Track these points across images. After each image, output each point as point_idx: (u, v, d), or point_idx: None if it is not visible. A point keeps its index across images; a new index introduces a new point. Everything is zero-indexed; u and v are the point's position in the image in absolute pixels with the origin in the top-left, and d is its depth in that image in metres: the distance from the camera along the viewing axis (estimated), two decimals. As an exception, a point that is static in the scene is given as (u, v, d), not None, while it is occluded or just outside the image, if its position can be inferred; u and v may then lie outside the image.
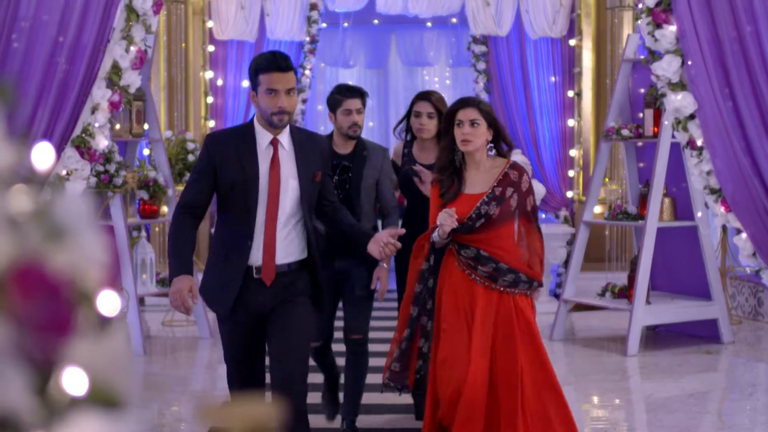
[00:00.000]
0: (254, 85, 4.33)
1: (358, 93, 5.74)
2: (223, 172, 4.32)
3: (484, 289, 4.90)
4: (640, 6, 3.69)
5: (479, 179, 4.98)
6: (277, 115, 4.31)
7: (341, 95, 5.67)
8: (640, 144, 8.55)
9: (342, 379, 5.83)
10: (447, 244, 4.94)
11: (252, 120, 4.46)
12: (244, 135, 4.41)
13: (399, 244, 4.52)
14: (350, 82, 5.98)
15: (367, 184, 5.66)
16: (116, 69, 3.83)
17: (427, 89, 6.09)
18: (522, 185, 4.96)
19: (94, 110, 3.85)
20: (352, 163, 5.64)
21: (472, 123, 4.91)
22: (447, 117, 5.03)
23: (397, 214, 5.81)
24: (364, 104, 5.74)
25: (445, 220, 4.79)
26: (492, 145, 5.01)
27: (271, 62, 4.32)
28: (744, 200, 3.59)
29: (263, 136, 4.36)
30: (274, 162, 4.35)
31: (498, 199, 4.90)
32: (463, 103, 5.03)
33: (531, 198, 5.00)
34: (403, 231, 4.68)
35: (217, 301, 4.40)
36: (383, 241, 4.46)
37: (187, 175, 9.52)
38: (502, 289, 4.91)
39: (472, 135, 4.90)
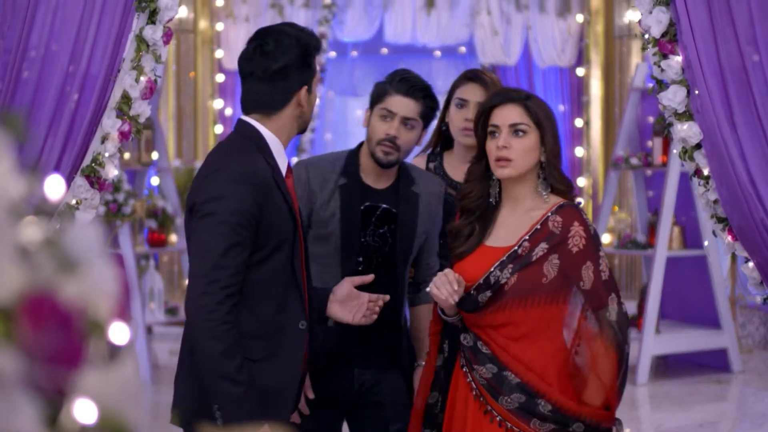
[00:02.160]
0: (311, 77, 3.01)
1: (419, 91, 3.42)
2: (267, 223, 2.86)
3: (478, 410, 3.01)
4: (646, 36, 3.70)
5: (511, 225, 3.07)
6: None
7: (390, 85, 3.43)
8: (649, 173, 8.54)
9: None
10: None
11: (258, 132, 2.99)
12: (265, 158, 2.95)
13: (380, 301, 3.16)
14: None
15: (419, 242, 3.53)
16: (126, 99, 3.85)
17: (475, 68, 3.98)
18: (570, 242, 2.96)
19: (104, 140, 3.86)
20: (398, 207, 3.46)
21: (516, 130, 3.01)
22: (478, 118, 3.13)
23: None
24: (425, 117, 3.45)
25: (440, 286, 2.97)
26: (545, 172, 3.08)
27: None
28: (749, 229, 3.58)
29: (282, 159, 3.01)
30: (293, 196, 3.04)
31: (520, 259, 2.98)
32: (502, 96, 3.10)
33: (593, 268, 2.95)
34: (371, 278, 3.20)
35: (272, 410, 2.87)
36: (366, 299, 3.12)
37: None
38: (498, 418, 2.95)
39: (514, 151, 2.99)
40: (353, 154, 3.48)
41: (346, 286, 3.13)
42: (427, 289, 3.05)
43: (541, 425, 2.88)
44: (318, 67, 3.02)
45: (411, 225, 3.46)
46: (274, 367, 2.88)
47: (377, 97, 3.44)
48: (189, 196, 2.96)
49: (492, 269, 2.98)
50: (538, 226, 2.99)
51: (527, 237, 2.99)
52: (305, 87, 2.97)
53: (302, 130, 3.06)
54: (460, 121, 3.76)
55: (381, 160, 3.39)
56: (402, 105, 3.37)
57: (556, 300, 2.93)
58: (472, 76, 3.83)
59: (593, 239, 3.00)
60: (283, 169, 2.97)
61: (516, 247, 2.99)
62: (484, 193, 3.10)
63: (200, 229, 2.83)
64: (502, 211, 3.10)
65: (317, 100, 3.10)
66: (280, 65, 2.96)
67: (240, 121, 3.04)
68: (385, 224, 3.43)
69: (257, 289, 2.85)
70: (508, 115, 3.02)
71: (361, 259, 3.39)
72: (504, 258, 2.99)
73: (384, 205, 3.43)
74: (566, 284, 2.94)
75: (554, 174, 3.03)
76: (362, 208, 3.41)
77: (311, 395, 3.27)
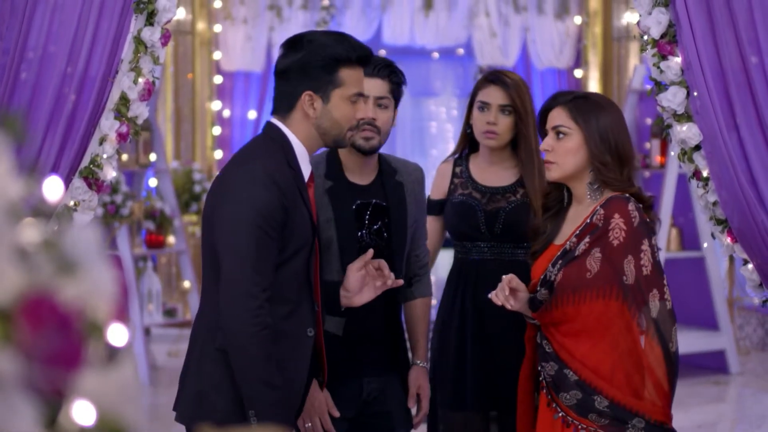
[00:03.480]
0: (324, 85, 2.90)
1: (384, 69, 3.40)
2: (290, 227, 2.83)
3: (545, 404, 3.08)
4: (645, 38, 3.69)
5: (571, 222, 3.13)
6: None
7: None
8: (647, 174, 8.55)
9: None
10: None
11: (285, 136, 2.92)
12: (289, 162, 2.90)
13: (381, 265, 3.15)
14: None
15: (411, 232, 3.48)
16: (124, 100, 3.84)
17: (497, 69, 3.89)
18: (610, 235, 2.94)
19: (102, 141, 3.86)
20: (387, 199, 3.41)
21: (557, 132, 3.08)
22: (540, 122, 3.26)
23: (430, 275, 3.68)
24: (394, 94, 3.44)
25: (498, 292, 3.04)
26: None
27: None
28: (750, 231, 3.58)
29: (306, 165, 2.96)
30: (312, 204, 2.99)
31: (567, 255, 3.03)
32: (552, 100, 3.17)
33: (635, 262, 2.95)
34: (371, 253, 3.17)
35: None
36: (372, 268, 3.13)
37: (195, 206, 9.55)
38: (560, 414, 3.01)
39: (556, 153, 3.07)
40: (332, 154, 3.41)
41: (354, 276, 3.11)
42: (489, 296, 3.07)
43: (598, 419, 2.93)
44: (349, 79, 2.91)
45: (402, 216, 3.42)
46: (283, 371, 2.84)
47: None
48: (209, 199, 2.93)
49: (549, 267, 3.05)
50: (588, 221, 3.01)
51: (577, 233, 3.02)
52: (308, 93, 2.88)
53: (334, 143, 3.00)
54: (482, 124, 3.67)
55: (363, 146, 3.33)
56: (372, 86, 3.30)
57: (603, 295, 2.94)
58: (492, 78, 3.72)
59: (635, 232, 2.95)
60: (306, 176, 2.92)
61: (567, 244, 3.03)
62: (562, 193, 3.18)
63: (230, 232, 2.79)
64: (570, 210, 3.15)
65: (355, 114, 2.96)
66: (280, 68, 2.96)
67: (267, 122, 3.00)
68: (378, 219, 3.38)
69: (273, 291, 2.79)
70: (553, 118, 3.11)
71: None
72: (558, 254, 3.04)
73: (374, 201, 3.39)
74: (614, 279, 2.93)
75: (604, 173, 3.05)
76: (354, 207, 3.36)
77: (336, 414, 3.25)
